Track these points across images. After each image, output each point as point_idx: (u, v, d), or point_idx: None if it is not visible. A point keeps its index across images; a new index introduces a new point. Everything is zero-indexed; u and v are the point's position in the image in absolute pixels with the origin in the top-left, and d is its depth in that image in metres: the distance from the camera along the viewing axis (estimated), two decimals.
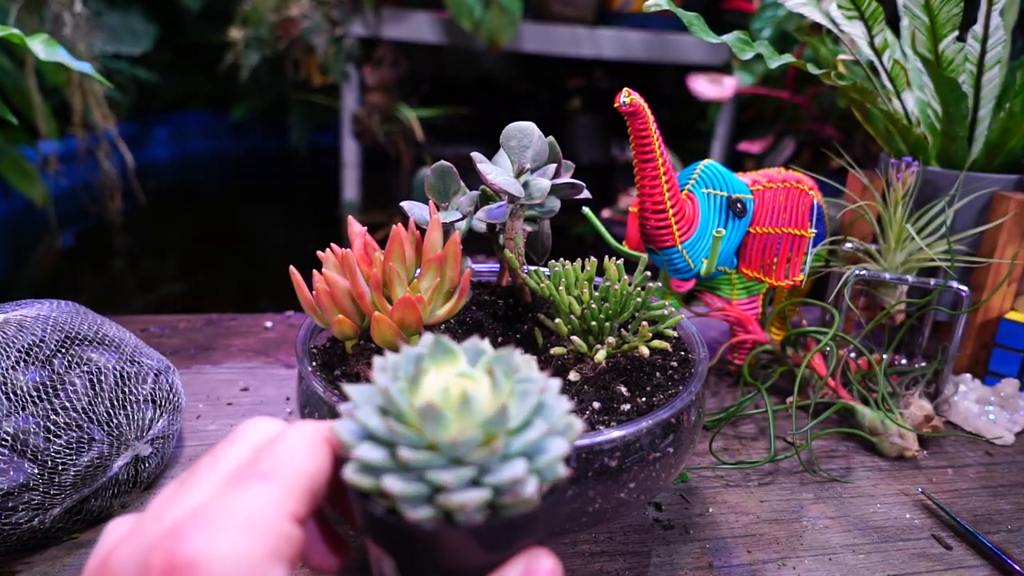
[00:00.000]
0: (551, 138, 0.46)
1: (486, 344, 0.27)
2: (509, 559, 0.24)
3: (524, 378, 0.25)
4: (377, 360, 0.25)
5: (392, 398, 0.24)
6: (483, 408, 0.24)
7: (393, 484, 0.22)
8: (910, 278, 0.63)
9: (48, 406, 0.43)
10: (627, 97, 0.50)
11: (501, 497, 0.23)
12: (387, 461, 0.23)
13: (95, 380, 0.46)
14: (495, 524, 0.23)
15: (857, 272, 0.63)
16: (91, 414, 0.45)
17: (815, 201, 0.64)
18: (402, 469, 0.23)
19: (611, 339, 0.43)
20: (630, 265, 0.48)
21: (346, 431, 0.24)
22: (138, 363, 0.49)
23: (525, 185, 0.45)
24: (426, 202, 0.46)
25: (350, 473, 0.23)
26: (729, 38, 0.60)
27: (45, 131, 1.73)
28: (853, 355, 0.66)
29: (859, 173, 0.67)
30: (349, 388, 0.25)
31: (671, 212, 0.56)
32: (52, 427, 0.43)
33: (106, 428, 0.45)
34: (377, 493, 0.23)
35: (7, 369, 0.43)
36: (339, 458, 0.25)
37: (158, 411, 0.49)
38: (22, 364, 0.44)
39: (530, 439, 0.24)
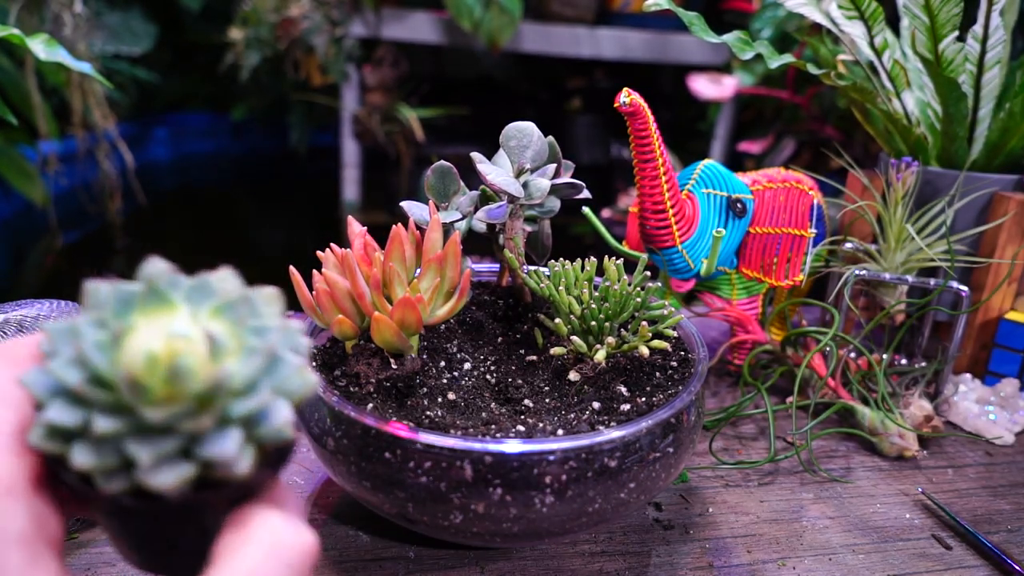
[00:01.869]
0: (551, 138, 0.46)
1: (219, 283, 0.23)
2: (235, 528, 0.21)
3: (257, 328, 0.22)
4: (89, 291, 0.22)
5: (87, 357, 0.20)
6: (198, 378, 0.20)
7: (80, 456, 0.20)
8: (910, 278, 0.63)
9: None
10: (627, 97, 0.50)
11: (211, 471, 0.21)
12: (81, 425, 0.20)
13: None
14: (204, 498, 0.21)
15: (857, 272, 0.63)
16: None
17: (815, 201, 0.64)
18: (96, 437, 0.20)
19: (611, 339, 0.43)
20: (630, 265, 0.48)
21: (38, 384, 0.21)
22: None
23: (525, 185, 0.45)
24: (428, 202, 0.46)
25: (35, 438, 0.20)
26: (729, 38, 0.60)
27: (45, 131, 1.73)
28: (853, 355, 0.66)
29: (859, 173, 0.67)
30: (47, 325, 0.21)
31: (671, 212, 0.56)
32: None
33: None
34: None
35: None
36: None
37: None
38: None
39: (251, 406, 0.21)
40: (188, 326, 0.21)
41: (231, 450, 0.20)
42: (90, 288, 0.22)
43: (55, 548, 0.21)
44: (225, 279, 0.23)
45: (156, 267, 0.22)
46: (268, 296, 0.23)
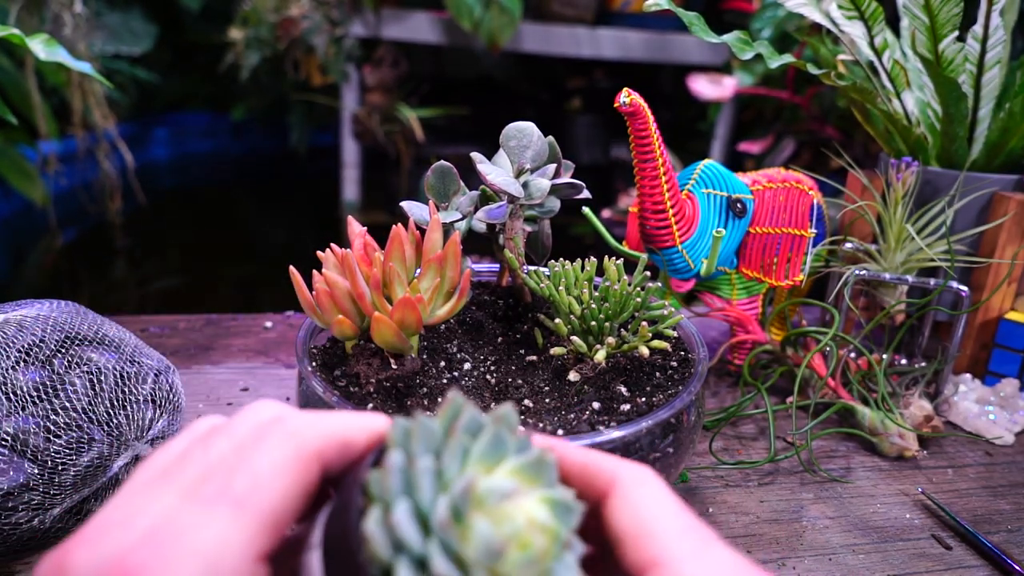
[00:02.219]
0: (551, 138, 0.46)
1: (541, 458, 0.23)
2: None
3: (564, 517, 0.22)
4: (420, 427, 0.21)
5: (435, 525, 0.20)
6: (540, 561, 0.21)
7: None
8: (910, 278, 0.63)
9: (48, 406, 0.43)
10: (627, 97, 0.50)
11: None
12: None
13: (95, 380, 0.46)
14: None
15: (857, 272, 0.63)
16: (91, 414, 0.45)
17: (815, 201, 0.64)
18: None
19: (611, 339, 0.43)
20: (630, 265, 0.48)
21: (379, 541, 0.20)
22: (138, 363, 0.49)
23: (525, 185, 0.45)
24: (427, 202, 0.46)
25: None
26: (729, 38, 0.60)
27: (45, 131, 1.73)
28: (853, 355, 0.66)
29: (859, 173, 0.67)
30: (375, 476, 0.21)
31: (671, 212, 0.56)
32: (52, 427, 0.43)
33: (106, 428, 0.45)
34: None
35: (7, 369, 0.43)
36: (326, 474, 0.23)
37: (158, 411, 0.49)
38: (22, 364, 0.44)
39: None
40: (538, 512, 0.21)
41: None
42: (422, 424, 0.21)
43: None
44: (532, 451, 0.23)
45: (506, 415, 0.22)
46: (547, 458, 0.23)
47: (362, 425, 0.24)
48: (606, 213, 1.84)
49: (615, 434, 0.36)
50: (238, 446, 0.22)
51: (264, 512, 0.21)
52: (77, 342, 0.47)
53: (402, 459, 0.21)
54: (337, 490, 0.24)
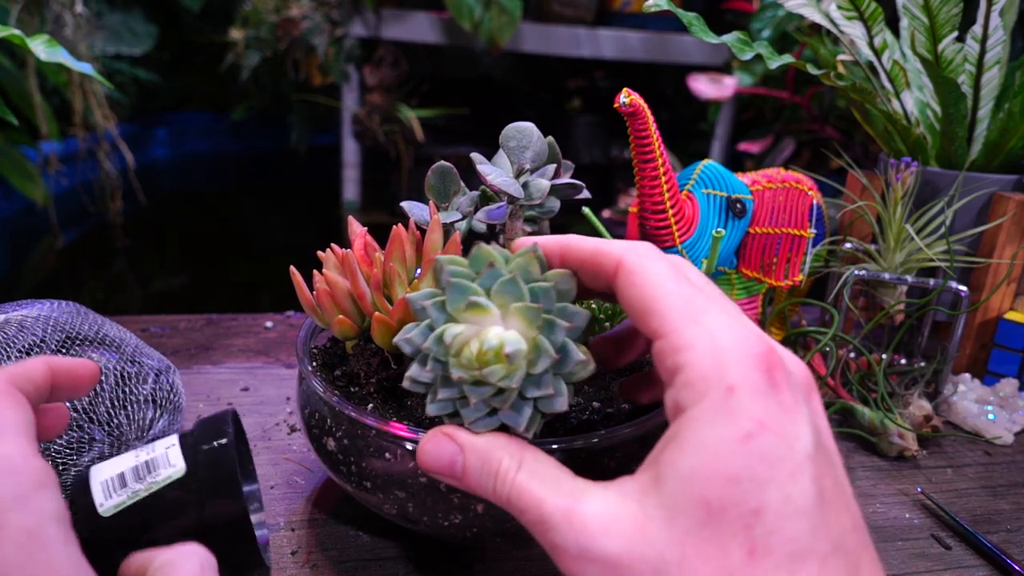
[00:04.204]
0: (551, 138, 0.46)
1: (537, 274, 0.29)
2: None
3: (551, 325, 0.28)
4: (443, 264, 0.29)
5: (442, 340, 0.29)
6: (512, 364, 0.28)
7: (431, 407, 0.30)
8: (909, 278, 0.63)
9: None
10: (627, 97, 0.50)
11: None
12: (431, 380, 0.29)
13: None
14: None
15: (856, 272, 0.63)
16: (91, 414, 0.45)
17: (815, 201, 0.64)
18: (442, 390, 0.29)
19: None
20: None
21: (403, 346, 0.30)
22: (138, 363, 0.49)
23: (525, 186, 0.45)
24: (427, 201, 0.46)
25: (406, 383, 0.30)
26: (729, 38, 0.60)
27: (46, 131, 1.73)
28: (853, 355, 0.66)
29: (858, 173, 0.67)
30: (411, 296, 0.30)
31: (671, 212, 0.56)
32: None
33: (106, 428, 0.45)
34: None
35: None
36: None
37: (158, 411, 0.49)
38: None
39: (542, 392, 0.29)
40: (499, 338, 0.28)
41: (522, 422, 0.29)
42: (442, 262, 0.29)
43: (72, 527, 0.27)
44: (530, 264, 0.29)
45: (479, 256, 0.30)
46: (560, 287, 0.29)
47: (33, 364, 0.29)
48: (606, 213, 1.84)
49: (615, 433, 0.36)
50: None
51: (11, 433, 0.26)
52: (78, 342, 0.47)
53: (422, 297, 0.30)
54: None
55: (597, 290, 0.30)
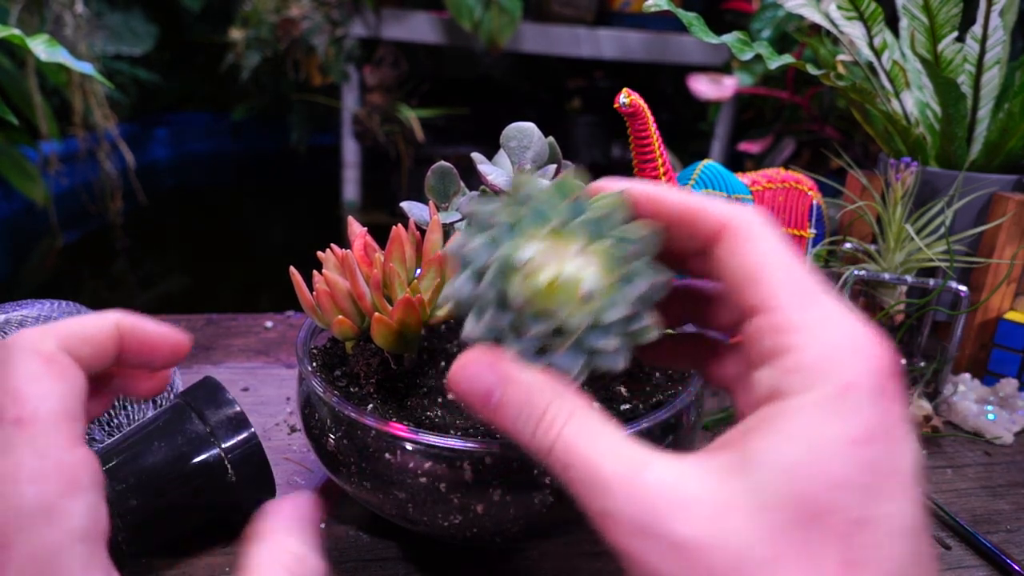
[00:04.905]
0: (551, 138, 0.46)
1: (605, 213, 0.26)
2: None
3: (624, 258, 0.26)
4: (520, 182, 0.26)
5: (507, 265, 0.25)
6: (593, 297, 0.25)
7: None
8: (909, 278, 0.63)
9: None
10: (627, 97, 0.50)
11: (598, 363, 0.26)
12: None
13: None
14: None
15: (856, 272, 0.63)
16: None
17: (814, 201, 0.64)
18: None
19: None
20: None
21: (449, 295, 0.26)
22: None
23: None
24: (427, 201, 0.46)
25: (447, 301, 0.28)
26: (729, 39, 0.60)
27: (46, 131, 1.73)
28: None
29: (858, 173, 0.67)
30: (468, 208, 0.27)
31: None
32: None
33: (106, 428, 0.45)
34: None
35: None
36: (88, 369, 0.24)
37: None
38: None
39: (626, 316, 0.26)
40: (575, 270, 0.25)
41: (612, 346, 0.26)
42: (520, 180, 0.26)
43: (105, 542, 0.22)
44: (617, 215, 0.26)
45: (569, 184, 0.26)
46: (647, 240, 0.26)
47: (94, 321, 0.25)
48: None
49: (636, 427, 0.36)
50: None
51: (43, 419, 0.21)
52: None
53: (463, 239, 0.26)
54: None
55: (685, 253, 0.27)
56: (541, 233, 0.25)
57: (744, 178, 0.63)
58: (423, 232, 0.43)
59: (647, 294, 0.26)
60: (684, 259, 0.27)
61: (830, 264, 0.68)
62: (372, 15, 2.05)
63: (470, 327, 0.26)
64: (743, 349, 0.25)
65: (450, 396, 0.42)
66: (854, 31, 0.64)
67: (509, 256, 0.25)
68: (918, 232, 0.63)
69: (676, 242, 0.26)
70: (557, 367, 0.26)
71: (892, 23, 0.67)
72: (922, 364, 0.66)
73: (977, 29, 0.61)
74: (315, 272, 0.42)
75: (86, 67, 0.66)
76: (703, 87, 1.60)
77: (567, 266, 0.25)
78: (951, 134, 0.64)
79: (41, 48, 0.63)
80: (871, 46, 0.65)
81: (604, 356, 0.26)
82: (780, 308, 0.23)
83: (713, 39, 0.59)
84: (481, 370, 0.25)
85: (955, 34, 0.61)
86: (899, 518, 0.20)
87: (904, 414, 0.22)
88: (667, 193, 0.26)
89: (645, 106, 0.51)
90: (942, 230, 0.63)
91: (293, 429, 0.56)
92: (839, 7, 0.63)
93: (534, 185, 0.26)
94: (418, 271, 0.42)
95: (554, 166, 0.46)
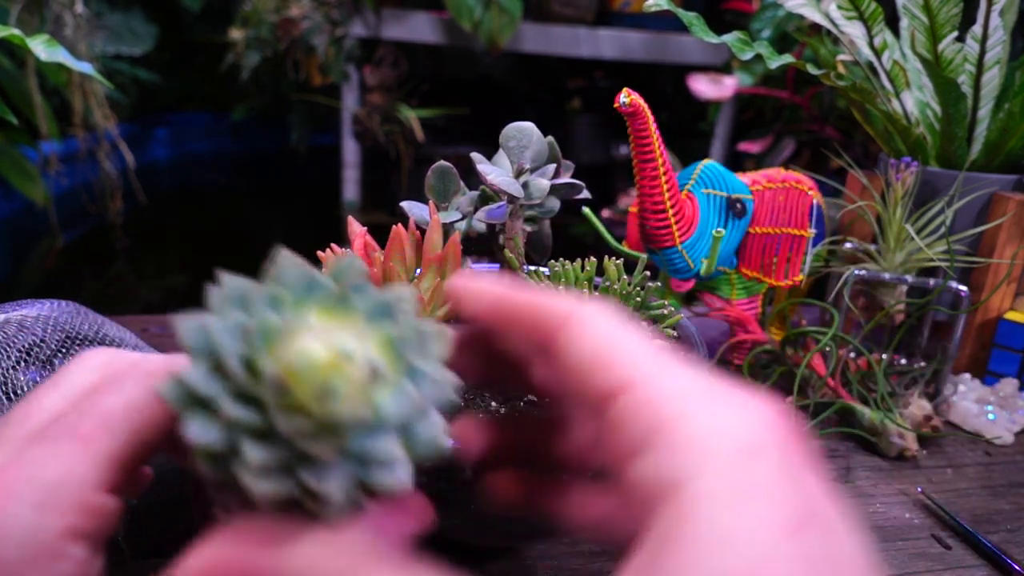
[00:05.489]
0: (551, 138, 0.46)
1: (399, 305, 0.21)
2: None
3: (416, 372, 0.21)
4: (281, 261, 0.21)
5: (252, 340, 0.20)
6: (344, 404, 0.19)
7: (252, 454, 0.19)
8: (909, 278, 0.63)
9: None
10: (627, 97, 0.50)
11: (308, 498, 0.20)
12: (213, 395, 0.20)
13: None
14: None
15: (856, 272, 0.63)
16: None
17: (815, 201, 0.64)
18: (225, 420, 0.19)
19: None
20: (630, 265, 0.48)
21: (173, 398, 0.20)
22: None
23: (525, 185, 0.45)
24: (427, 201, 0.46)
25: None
26: (729, 38, 0.60)
27: (46, 131, 1.73)
28: (853, 355, 0.66)
29: (858, 173, 0.67)
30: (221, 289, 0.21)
31: (671, 212, 0.56)
32: None
33: None
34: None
35: (8, 369, 0.44)
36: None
37: None
38: (23, 364, 0.44)
39: (375, 452, 0.20)
40: (356, 347, 0.20)
41: (332, 490, 0.19)
42: (282, 259, 0.21)
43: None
44: (405, 303, 0.22)
45: (350, 266, 0.21)
46: (439, 335, 0.22)
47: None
48: (606, 213, 1.84)
49: None
50: (76, 395, 0.23)
51: (111, 447, 0.21)
52: (78, 342, 0.47)
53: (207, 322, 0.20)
54: None
55: (527, 354, 0.24)
56: (311, 308, 0.21)
57: (744, 178, 0.63)
58: (423, 232, 0.43)
59: (440, 393, 0.21)
60: (529, 363, 0.25)
61: (830, 264, 0.68)
62: (372, 15, 2.05)
63: (196, 429, 0.19)
64: (610, 460, 0.20)
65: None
66: (854, 31, 0.64)
67: (265, 323, 0.19)
68: (918, 232, 0.63)
69: (522, 342, 0.24)
70: (314, 489, 0.19)
71: (892, 23, 0.67)
72: (922, 364, 0.66)
73: (977, 29, 0.61)
74: None
75: (86, 67, 0.66)
76: (703, 87, 1.60)
77: (342, 340, 0.19)
78: (951, 134, 0.64)
79: (41, 48, 0.63)
80: (871, 46, 0.65)
81: (380, 469, 0.20)
82: (644, 380, 0.19)
83: (713, 39, 0.59)
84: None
85: (955, 34, 0.61)
86: None
87: (824, 487, 0.18)
88: (512, 291, 0.24)
89: (645, 106, 0.51)
90: (942, 230, 0.63)
91: None
92: (839, 7, 0.63)
93: (300, 267, 0.21)
94: (418, 271, 0.42)
95: (554, 165, 0.46)
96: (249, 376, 0.19)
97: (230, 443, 0.19)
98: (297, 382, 0.18)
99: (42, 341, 0.46)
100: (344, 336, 0.20)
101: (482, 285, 0.24)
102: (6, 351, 0.44)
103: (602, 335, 0.21)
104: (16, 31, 0.61)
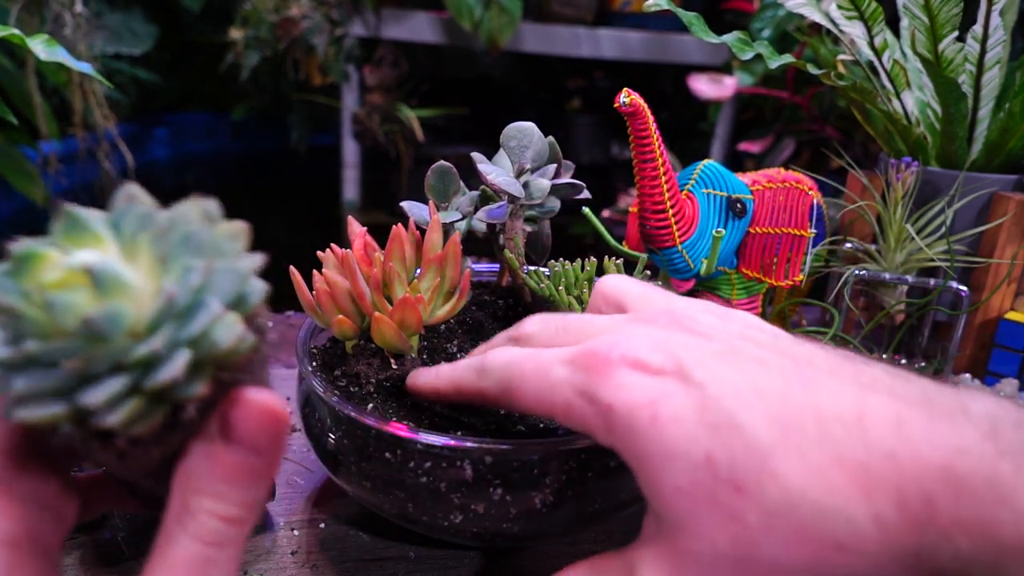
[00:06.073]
0: (551, 138, 0.46)
1: (177, 216, 0.21)
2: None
3: (186, 268, 0.20)
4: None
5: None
6: (76, 315, 0.19)
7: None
8: (910, 278, 0.63)
9: None
10: (627, 97, 0.50)
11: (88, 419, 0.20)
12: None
13: None
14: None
15: (857, 272, 0.63)
16: None
17: (815, 201, 0.64)
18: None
19: None
20: (630, 265, 0.48)
21: None
22: None
23: (525, 185, 0.45)
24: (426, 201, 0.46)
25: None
26: (729, 38, 0.60)
27: (46, 131, 1.73)
28: None
29: (859, 173, 0.67)
30: None
31: (671, 212, 0.56)
32: None
33: None
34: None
35: None
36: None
37: None
38: None
39: (141, 353, 0.19)
40: (94, 260, 0.19)
41: (99, 398, 0.18)
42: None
43: (47, 546, 0.21)
44: (190, 212, 0.21)
45: (131, 194, 0.22)
46: (231, 232, 0.21)
47: None
48: (606, 213, 1.84)
49: None
50: None
51: None
52: None
53: None
54: None
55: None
56: (78, 241, 0.20)
57: (744, 178, 0.63)
58: (423, 232, 0.43)
59: (229, 285, 0.21)
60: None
61: (830, 264, 0.68)
62: (372, 15, 2.05)
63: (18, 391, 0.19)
64: None
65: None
66: (854, 31, 0.64)
67: (28, 251, 0.20)
68: (918, 232, 0.63)
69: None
70: (84, 405, 0.19)
71: (893, 23, 0.67)
72: (922, 364, 0.66)
73: (978, 29, 0.61)
74: (315, 272, 0.41)
75: (85, 67, 0.66)
76: (703, 87, 1.60)
77: (80, 257, 0.19)
78: (952, 134, 0.64)
79: (40, 48, 0.63)
80: (871, 46, 0.65)
81: (153, 371, 0.19)
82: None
83: (713, 39, 0.59)
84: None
85: (956, 34, 0.61)
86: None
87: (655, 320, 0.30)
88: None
89: (645, 106, 0.51)
90: (942, 230, 0.63)
91: (293, 429, 0.56)
92: (839, 6, 0.63)
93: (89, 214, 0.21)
94: (418, 271, 0.42)
95: (554, 165, 0.46)
96: (12, 317, 0.19)
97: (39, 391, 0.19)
98: (29, 305, 0.19)
99: None
100: (86, 254, 0.20)
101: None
102: None
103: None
104: (16, 31, 0.61)
